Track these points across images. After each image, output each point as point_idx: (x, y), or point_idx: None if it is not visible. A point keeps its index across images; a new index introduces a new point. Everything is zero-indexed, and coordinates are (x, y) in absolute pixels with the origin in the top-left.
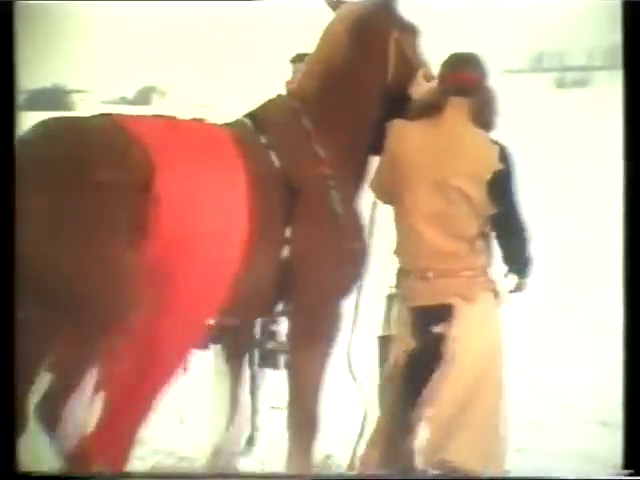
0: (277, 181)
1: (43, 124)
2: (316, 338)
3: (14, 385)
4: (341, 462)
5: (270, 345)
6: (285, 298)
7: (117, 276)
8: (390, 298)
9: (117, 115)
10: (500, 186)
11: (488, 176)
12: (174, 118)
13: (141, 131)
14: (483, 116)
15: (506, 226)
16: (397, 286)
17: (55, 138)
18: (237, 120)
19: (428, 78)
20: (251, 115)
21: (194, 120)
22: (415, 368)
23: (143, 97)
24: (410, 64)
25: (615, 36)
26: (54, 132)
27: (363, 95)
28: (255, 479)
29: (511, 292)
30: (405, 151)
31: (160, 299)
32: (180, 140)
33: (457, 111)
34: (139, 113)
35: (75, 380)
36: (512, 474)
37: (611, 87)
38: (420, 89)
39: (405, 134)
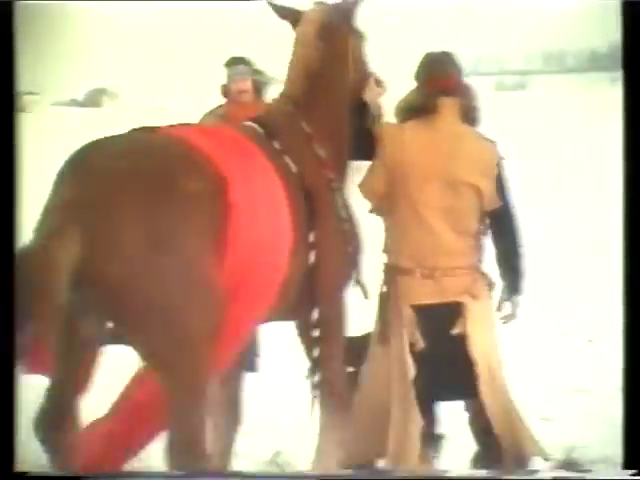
0: (297, 186)
1: (113, 141)
2: (335, 338)
3: (14, 386)
4: (290, 459)
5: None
6: (315, 303)
7: (208, 286)
8: (383, 297)
9: (165, 127)
10: (500, 179)
11: (496, 170)
12: (199, 124)
13: (198, 141)
14: (471, 113)
15: (503, 220)
16: (388, 284)
17: (136, 154)
18: (245, 125)
19: (378, 83)
20: (257, 120)
21: (215, 126)
22: (430, 368)
23: (93, 99)
24: (364, 69)
25: (554, 42)
26: (130, 149)
27: (339, 97)
28: (255, 479)
29: (504, 320)
30: (407, 152)
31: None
32: (225, 147)
33: (450, 110)
34: (90, 115)
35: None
36: None
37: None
38: (372, 94)
39: (402, 136)
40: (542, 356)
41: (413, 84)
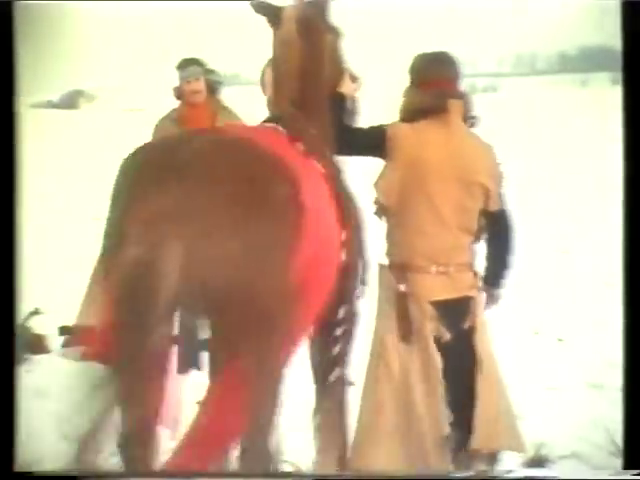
0: (327, 186)
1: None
2: (353, 338)
3: (14, 384)
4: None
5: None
6: (342, 302)
7: (290, 288)
8: (400, 296)
9: (223, 128)
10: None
11: (498, 172)
12: (245, 126)
13: (265, 143)
14: (470, 117)
15: (499, 222)
16: (401, 283)
17: (221, 159)
18: (269, 127)
19: (354, 79)
20: (277, 121)
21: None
22: (449, 361)
23: (70, 101)
24: (340, 65)
25: (525, 45)
26: (213, 155)
27: (323, 93)
28: (256, 479)
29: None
30: (424, 151)
31: None
32: (285, 148)
33: (456, 113)
34: (67, 117)
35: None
36: None
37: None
38: (348, 89)
39: (417, 135)
40: (512, 355)
41: (387, 81)
